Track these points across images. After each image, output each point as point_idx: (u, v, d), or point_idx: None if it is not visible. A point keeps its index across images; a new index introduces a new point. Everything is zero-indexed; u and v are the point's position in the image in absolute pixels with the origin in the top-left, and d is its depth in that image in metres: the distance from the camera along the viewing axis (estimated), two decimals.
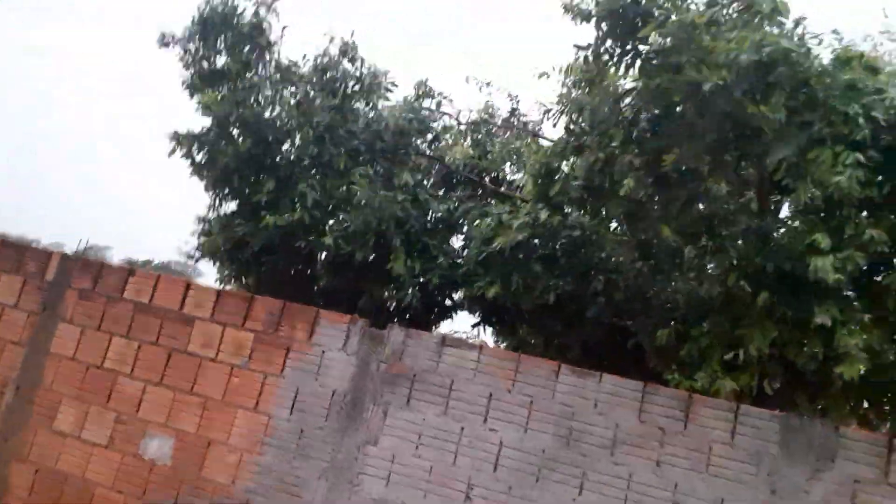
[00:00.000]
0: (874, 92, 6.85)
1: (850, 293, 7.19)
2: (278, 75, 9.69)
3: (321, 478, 5.98)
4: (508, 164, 11.16)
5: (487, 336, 12.08)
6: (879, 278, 7.61)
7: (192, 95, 9.49)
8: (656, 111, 6.65)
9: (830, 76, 6.34)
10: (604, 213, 8.36)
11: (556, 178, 7.27)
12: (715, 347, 7.08)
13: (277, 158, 9.56)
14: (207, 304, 6.70)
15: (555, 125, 7.63)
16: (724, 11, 6.57)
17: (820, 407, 8.15)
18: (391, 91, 10.44)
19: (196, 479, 6.16)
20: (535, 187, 7.60)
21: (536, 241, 8.83)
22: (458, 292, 10.77)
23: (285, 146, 9.74)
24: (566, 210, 8.22)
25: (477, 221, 9.38)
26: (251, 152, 9.23)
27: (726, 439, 5.51)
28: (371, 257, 9.30)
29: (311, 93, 9.81)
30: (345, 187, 9.24)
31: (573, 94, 7.74)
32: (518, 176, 11.20)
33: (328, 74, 9.80)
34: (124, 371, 6.61)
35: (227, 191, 9.78)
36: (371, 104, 9.91)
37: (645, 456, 5.61)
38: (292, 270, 10.48)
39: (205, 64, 9.28)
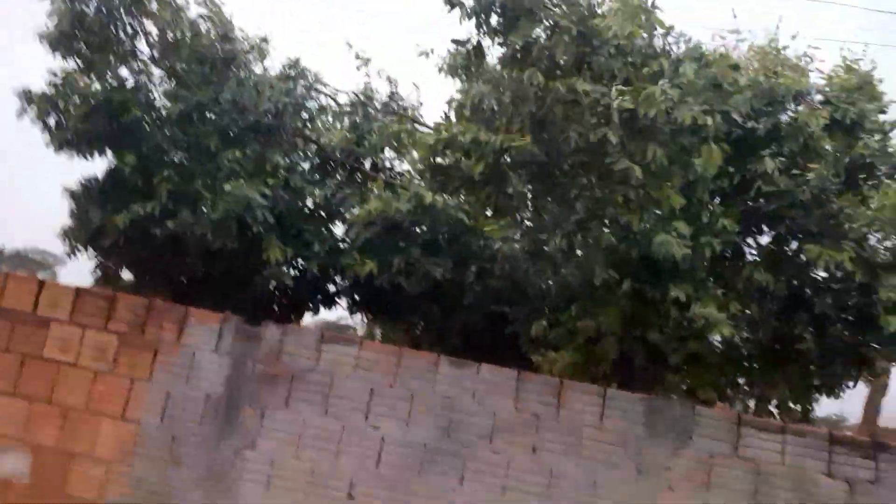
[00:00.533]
0: (737, 90, 7.35)
1: (703, 275, 7.70)
2: (147, 43, 8.98)
3: (197, 486, 5.76)
4: (388, 149, 11.01)
5: (362, 325, 12.05)
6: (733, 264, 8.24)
7: (53, 52, 8.57)
8: (532, 108, 6.77)
9: (700, 77, 6.71)
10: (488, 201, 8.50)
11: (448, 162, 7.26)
12: (577, 330, 7.42)
13: (141, 131, 8.88)
14: (65, 305, 6.24)
15: (446, 114, 7.59)
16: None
17: (686, 387, 8.77)
18: (266, 57, 9.98)
19: (58, 495, 5.75)
20: (428, 167, 7.54)
21: (417, 228, 8.84)
22: (339, 278, 10.62)
23: (147, 122, 9.07)
24: (448, 194, 8.25)
25: (357, 208, 9.25)
26: (112, 122, 8.51)
27: (596, 423, 5.81)
28: (240, 246, 8.94)
29: (181, 65, 9.20)
30: (213, 175, 8.76)
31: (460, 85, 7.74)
32: (398, 162, 11.10)
33: (201, 44, 9.18)
34: None
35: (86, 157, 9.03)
36: (242, 80, 9.39)
37: (522, 443, 5.81)
38: (161, 259, 9.90)
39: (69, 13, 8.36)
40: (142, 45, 8.90)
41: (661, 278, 7.55)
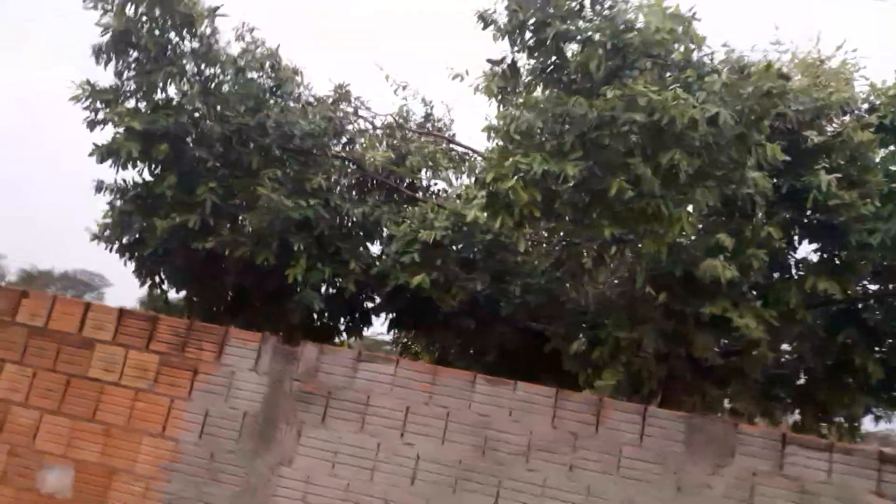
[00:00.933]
0: (786, 100, 7.18)
1: (744, 289, 7.53)
2: (194, 63, 9.23)
3: (233, 502, 5.82)
4: (424, 170, 11.12)
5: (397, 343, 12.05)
6: (776, 275, 8.04)
7: (98, 62, 8.87)
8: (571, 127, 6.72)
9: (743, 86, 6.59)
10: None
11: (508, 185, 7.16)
12: (620, 349, 7.30)
13: (184, 149, 9.12)
14: (109, 326, 6.40)
15: (489, 138, 7.57)
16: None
17: (729, 403, 8.55)
18: (308, 91, 10.24)
19: None
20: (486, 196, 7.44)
21: (454, 246, 8.88)
22: (375, 296, 10.70)
23: (190, 139, 9.31)
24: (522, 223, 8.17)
25: (399, 222, 9.33)
26: (156, 138, 8.75)
27: (635, 441, 5.69)
28: (279, 263, 9.09)
29: (226, 87, 9.47)
30: (253, 188, 8.95)
31: (502, 108, 7.73)
32: (434, 183, 11.20)
33: (247, 73, 9.46)
34: (17, 400, 6.23)
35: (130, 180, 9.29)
36: (284, 105, 9.62)
37: (558, 461, 5.72)
38: (200, 271, 10.11)
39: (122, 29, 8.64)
40: (190, 64, 9.19)
41: (699, 294, 7.40)
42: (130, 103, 9.05)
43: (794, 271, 8.00)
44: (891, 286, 7.58)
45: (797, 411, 8.77)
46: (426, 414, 5.91)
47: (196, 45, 9.12)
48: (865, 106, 8.60)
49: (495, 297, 9.00)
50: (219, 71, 9.37)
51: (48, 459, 6.06)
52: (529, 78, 7.23)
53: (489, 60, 7.33)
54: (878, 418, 8.33)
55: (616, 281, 7.79)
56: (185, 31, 8.93)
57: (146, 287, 10.61)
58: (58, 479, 5.99)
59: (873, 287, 8.10)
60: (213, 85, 9.43)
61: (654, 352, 7.18)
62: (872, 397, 8.20)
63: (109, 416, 6.10)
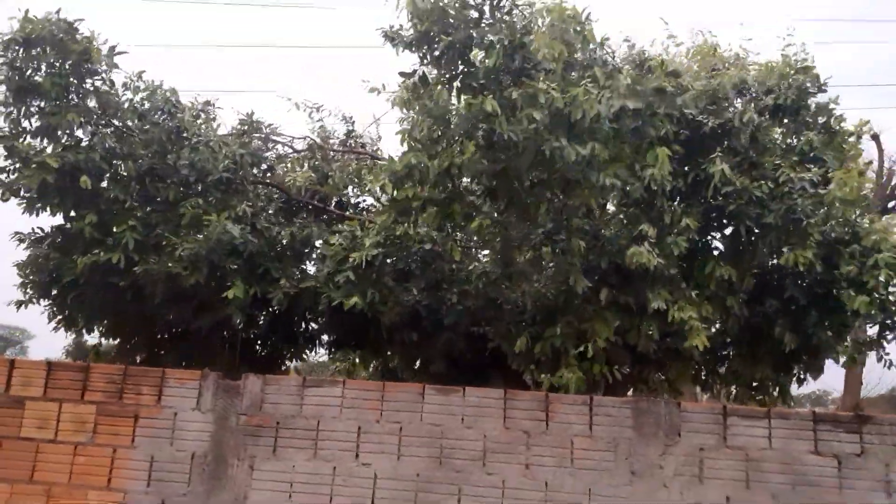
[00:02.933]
0: (677, 94, 7.56)
1: (675, 275, 7.82)
2: (98, 103, 9.04)
3: None
4: (351, 187, 11.10)
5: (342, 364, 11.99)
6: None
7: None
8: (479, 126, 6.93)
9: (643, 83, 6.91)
10: (449, 227, 8.59)
11: (409, 184, 7.39)
12: (566, 344, 7.47)
13: (99, 188, 8.93)
14: (38, 381, 6.14)
15: (402, 141, 7.74)
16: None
17: (667, 382, 8.84)
18: (217, 125, 10.10)
19: None
20: (394, 189, 7.68)
21: (388, 259, 8.87)
22: (314, 320, 10.60)
23: (106, 178, 9.12)
24: (417, 222, 8.33)
25: (328, 239, 9.29)
26: (64, 181, 8.54)
27: (586, 432, 5.84)
28: (207, 288, 8.97)
29: (134, 125, 9.28)
30: (176, 219, 8.83)
31: (409, 115, 7.89)
32: (362, 199, 11.19)
33: (147, 119, 9.28)
34: None
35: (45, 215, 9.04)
36: (193, 145, 9.45)
37: (514, 461, 5.81)
38: (127, 312, 9.82)
39: (18, 77, 8.42)
40: (93, 103, 8.98)
41: (633, 283, 7.65)
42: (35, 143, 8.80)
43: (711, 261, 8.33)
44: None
45: (733, 387, 9.15)
46: (379, 431, 5.90)
47: (98, 83, 8.94)
48: (761, 88, 9.05)
49: (434, 306, 9.06)
50: (120, 118, 9.23)
51: None
52: (439, 87, 7.41)
53: (401, 73, 7.48)
54: (801, 381, 8.77)
55: (551, 280, 7.94)
56: (83, 72, 8.75)
57: (71, 336, 10.23)
58: None
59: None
60: (119, 127, 9.27)
61: (601, 344, 7.37)
62: (791, 365, 8.64)
63: (49, 475, 5.84)
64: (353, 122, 11.75)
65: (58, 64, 8.56)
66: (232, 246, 8.78)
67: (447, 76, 7.33)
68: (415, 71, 7.36)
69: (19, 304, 9.65)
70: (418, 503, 5.72)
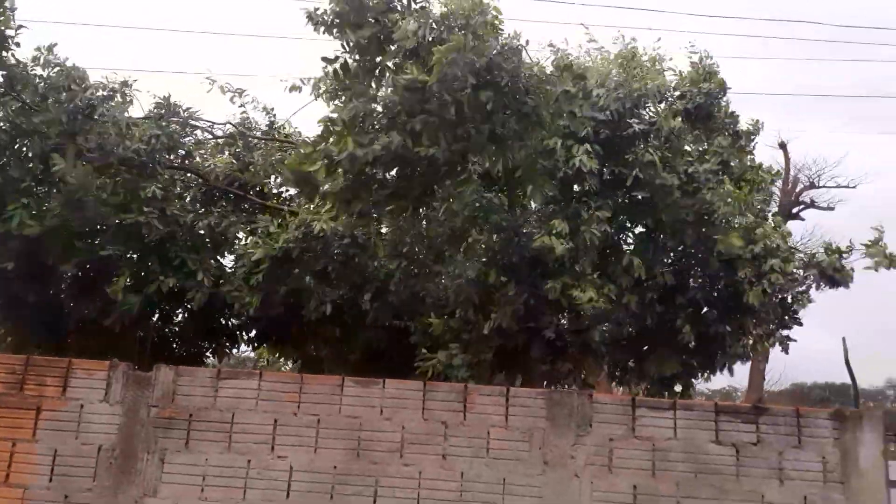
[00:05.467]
0: (584, 96, 7.82)
1: (586, 269, 8.09)
2: (6, 76, 8.54)
3: None
4: (273, 177, 10.90)
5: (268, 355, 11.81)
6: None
7: None
8: (404, 109, 6.97)
9: (550, 83, 7.09)
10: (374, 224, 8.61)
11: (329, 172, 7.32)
12: (457, 330, 7.63)
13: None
14: None
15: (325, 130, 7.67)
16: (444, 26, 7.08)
17: (582, 376, 9.13)
18: (130, 100, 9.72)
19: None
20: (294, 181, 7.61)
21: (308, 254, 8.79)
22: (235, 315, 10.39)
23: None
24: (332, 217, 8.27)
25: (242, 238, 9.10)
26: None
27: (501, 422, 5.94)
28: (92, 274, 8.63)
29: (38, 102, 8.80)
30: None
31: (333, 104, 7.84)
32: (284, 189, 11.00)
33: (50, 97, 8.82)
34: None
35: None
36: (103, 124, 9.04)
37: (431, 452, 5.86)
38: (27, 296, 9.36)
39: None
40: None
41: (545, 275, 7.88)
42: None
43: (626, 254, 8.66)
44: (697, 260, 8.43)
45: (643, 383, 9.54)
46: (296, 424, 5.84)
47: (7, 55, 8.45)
48: (677, 93, 9.47)
49: (357, 302, 9.03)
50: (28, 94, 8.76)
51: None
52: (361, 74, 7.41)
53: (324, 59, 7.42)
54: (705, 376, 9.25)
55: (464, 271, 8.07)
56: None
57: None
58: None
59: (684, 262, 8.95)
60: (26, 103, 8.79)
61: (510, 333, 7.57)
62: (695, 361, 9.10)
63: None
64: (275, 113, 11.53)
65: None
66: (133, 231, 8.47)
67: (368, 64, 7.32)
68: (337, 57, 7.34)
69: None
70: (335, 496, 5.69)
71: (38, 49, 8.93)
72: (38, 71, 8.96)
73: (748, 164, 9.09)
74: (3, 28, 8.33)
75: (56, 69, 9.04)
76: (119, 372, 5.85)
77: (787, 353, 8.66)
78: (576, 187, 8.14)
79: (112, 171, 9.11)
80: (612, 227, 8.26)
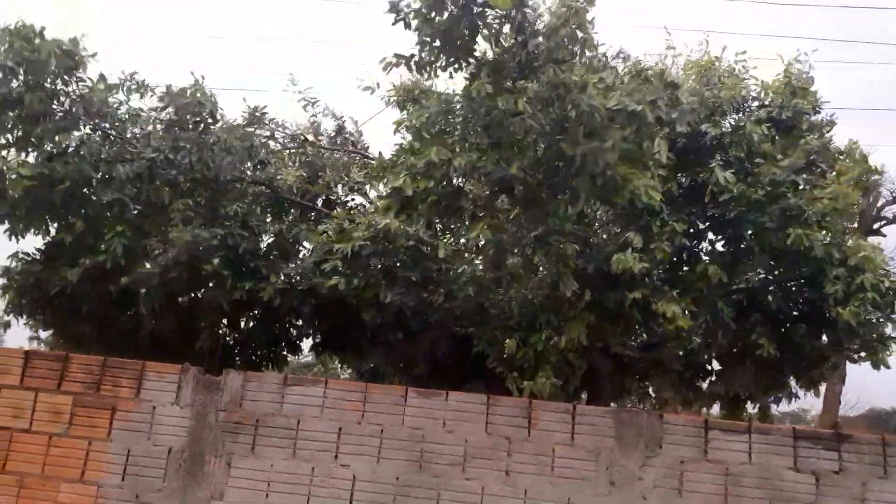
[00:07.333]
0: (675, 105, 7.56)
1: (657, 282, 7.86)
2: (84, 107, 8.86)
3: None
4: (340, 185, 11.02)
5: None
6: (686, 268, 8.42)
7: None
8: (486, 118, 6.87)
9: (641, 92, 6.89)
10: (438, 226, 8.55)
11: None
12: (546, 349, 7.47)
13: (87, 195, 8.79)
14: (14, 370, 6.03)
15: (396, 130, 7.65)
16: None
17: (653, 394, 8.87)
18: (220, 119, 9.98)
19: None
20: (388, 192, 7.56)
21: (375, 253, 8.79)
22: (299, 318, 10.50)
23: (95, 183, 8.97)
24: (415, 217, 8.24)
25: (317, 230, 9.19)
26: (51, 189, 8.42)
27: (567, 440, 5.81)
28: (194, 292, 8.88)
29: (128, 128, 9.16)
30: (165, 227, 8.72)
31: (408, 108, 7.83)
32: (350, 197, 11.11)
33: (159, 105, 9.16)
34: None
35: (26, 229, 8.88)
36: (201, 140, 9.31)
37: (495, 467, 5.77)
38: (113, 317, 9.72)
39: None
40: (79, 109, 8.79)
41: (617, 287, 7.67)
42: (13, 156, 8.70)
43: (703, 262, 8.39)
44: (780, 270, 8.05)
45: (717, 403, 9.20)
46: (359, 433, 5.85)
47: (83, 91, 8.79)
48: (756, 103, 9.13)
49: (419, 307, 9.00)
50: (109, 121, 9.08)
51: None
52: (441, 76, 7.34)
53: (396, 55, 7.23)
54: (778, 400, 8.83)
55: (538, 284, 7.94)
56: (69, 78, 8.61)
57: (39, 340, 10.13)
58: None
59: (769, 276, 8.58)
60: (107, 130, 9.12)
61: (577, 347, 7.38)
62: (773, 377, 8.69)
63: (22, 465, 5.74)
64: (344, 119, 11.67)
65: (41, 75, 8.36)
66: (221, 244, 8.68)
67: (445, 63, 7.17)
68: (412, 56, 7.20)
69: (5, 325, 9.56)
70: None
71: (122, 79, 9.17)
72: (121, 96, 9.23)
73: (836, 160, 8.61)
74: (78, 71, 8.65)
75: (137, 93, 9.28)
76: (190, 376, 5.98)
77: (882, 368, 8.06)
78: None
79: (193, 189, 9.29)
80: (689, 239, 8.02)
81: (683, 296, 7.78)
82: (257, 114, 10.25)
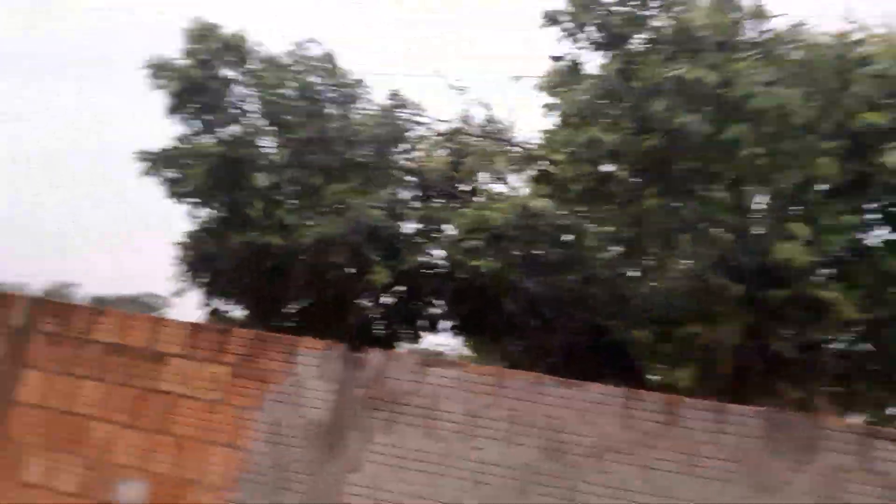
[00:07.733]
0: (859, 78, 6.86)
1: (822, 279, 7.22)
2: (251, 80, 9.64)
3: None
4: (483, 173, 11.08)
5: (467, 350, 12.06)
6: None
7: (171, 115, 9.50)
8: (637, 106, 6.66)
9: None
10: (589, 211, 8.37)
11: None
12: (694, 344, 7.09)
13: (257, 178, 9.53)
14: (180, 340, 6.56)
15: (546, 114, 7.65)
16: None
17: (802, 396, 8.21)
18: (369, 101, 10.41)
19: None
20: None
21: (518, 234, 8.72)
22: (438, 299, 10.69)
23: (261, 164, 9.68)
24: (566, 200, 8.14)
25: (462, 211, 9.31)
26: (225, 170, 9.20)
27: (710, 439, 5.48)
28: (345, 269, 9.29)
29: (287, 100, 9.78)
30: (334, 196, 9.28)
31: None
32: (492, 185, 11.14)
33: (307, 81, 9.75)
34: (95, 415, 6.44)
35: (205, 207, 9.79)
36: (344, 114, 9.80)
37: (632, 462, 5.56)
38: (267, 289, 10.38)
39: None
40: (250, 104, 9.58)
41: (776, 283, 7.12)
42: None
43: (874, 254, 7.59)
44: None
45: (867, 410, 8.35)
46: (493, 417, 5.83)
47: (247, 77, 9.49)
48: None
49: (557, 295, 8.85)
50: (276, 80, 9.68)
51: (124, 472, 6.24)
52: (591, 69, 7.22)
53: (552, 57, 7.39)
54: None
55: (682, 273, 7.54)
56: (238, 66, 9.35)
57: (203, 308, 11.01)
58: (132, 492, 6.15)
59: None
60: (272, 101, 9.73)
61: (731, 346, 6.95)
62: None
63: (182, 428, 6.24)
64: (492, 108, 11.67)
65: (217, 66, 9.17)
66: (371, 228, 9.03)
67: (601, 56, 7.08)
68: (567, 55, 7.21)
69: (177, 293, 10.54)
70: (526, 493, 5.61)
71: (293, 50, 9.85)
72: (296, 68, 9.84)
73: None
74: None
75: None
76: (336, 352, 6.23)
77: None
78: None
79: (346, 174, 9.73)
80: (852, 232, 7.29)
81: (851, 290, 7.09)
82: (399, 97, 10.51)
